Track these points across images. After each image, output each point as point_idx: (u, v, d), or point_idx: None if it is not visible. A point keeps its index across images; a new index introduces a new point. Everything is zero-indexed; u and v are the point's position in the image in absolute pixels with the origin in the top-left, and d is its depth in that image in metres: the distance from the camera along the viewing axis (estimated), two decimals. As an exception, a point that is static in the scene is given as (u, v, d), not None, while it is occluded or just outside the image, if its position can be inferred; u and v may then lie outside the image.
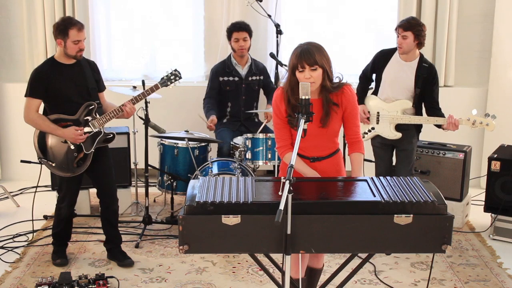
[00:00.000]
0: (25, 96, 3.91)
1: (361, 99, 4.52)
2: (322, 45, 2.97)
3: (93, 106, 3.97)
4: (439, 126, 4.36)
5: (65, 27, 3.84)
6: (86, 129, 3.95)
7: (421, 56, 4.37)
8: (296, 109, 2.82)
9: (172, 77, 4.25)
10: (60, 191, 4.12)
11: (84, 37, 3.91)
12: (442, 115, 4.33)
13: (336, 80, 3.02)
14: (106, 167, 4.12)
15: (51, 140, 3.96)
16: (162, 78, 4.25)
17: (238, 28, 5.12)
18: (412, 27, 4.24)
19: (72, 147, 3.94)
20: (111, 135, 4.07)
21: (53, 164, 3.97)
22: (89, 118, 3.96)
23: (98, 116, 3.98)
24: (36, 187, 4.54)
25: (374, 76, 4.56)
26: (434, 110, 4.36)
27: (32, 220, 4.54)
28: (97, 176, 4.12)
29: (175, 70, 4.27)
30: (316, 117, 2.91)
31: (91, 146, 3.98)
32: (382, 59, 4.45)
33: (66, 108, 3.92)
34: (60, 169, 3.98)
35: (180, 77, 4.29)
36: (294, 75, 2.93)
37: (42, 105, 3.96)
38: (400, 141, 4.43)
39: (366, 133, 4.50)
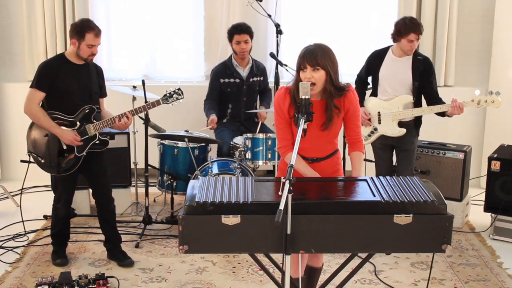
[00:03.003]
0: (30, 87, 3.90)
1: (360, 103, 4.51)
2: (330, 48, 2.96)
3: (91, 110, 3.97)
4: (442, 115, 4.34)
5: (82, 29, 3.85)
6: (80, 131, 3.94)
7: (415, 50, 4.39)
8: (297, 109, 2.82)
9: (174, 95, 4.27)
10: (56, 191, 4.13)
11: (99, 43, 3.91)
12: (443, 103, 4.32)
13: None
14: (101, 167, 4.12)
15: (43, 137, 3.96)
16: (165, 95, 4.27)
17: (240, 31, 5.06)
18: (422, 29, 4.27)
19: (65, 147, 3.95)
20: (105, 141, 4.06)
21: (42, 161, 3.98)
22: (86, 121, 3.96)
23: (95, 121, 3.98)
24: (22, 189, 4.54)
25: (369, 78, 4.55)
26: (435, 101, 4.35)
27: (22, 221, 4.51)
28: (92, 177, 4.12)
29: (178, 89, 4.29)
30: (318, 120, 2.92)
31: (84, 149, 3.98)
32: (376, 60, 4.45)
33: (65, 107, 3.92)
34: (49, 166, 3.98)
35: (182, 97, 4.30)
36: (299, 73, 2.94)
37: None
38: (401, 141, 4.42)
39: (370, 135, 4.48)
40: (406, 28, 4.22)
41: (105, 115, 4.08)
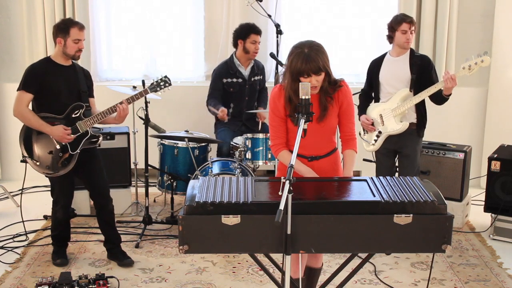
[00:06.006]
0: (18, 89, 3.93)
1: (363, 112, 4.52)
2: (320, 43, 2.96)
3: (81, 107, 3.97)
4: (440, 99, 4.29)
5: (66, 26, 3.90)
6: (72, 128, 3.94)
7: (411, 49, 4.39)
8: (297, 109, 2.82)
9: (161, 83, 4.22)
10: (53, 194, 4.13)
11: (84, 37, 3.95)
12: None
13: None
14: (97, 168, 4.11)
15: (36, 139, 3.97)
16: (152, 84, 4.23)
17: (258, 31, 5.12)
18: (414, 21, 4.32)
19: (58, 146, 3.95)
20: (97, 138, 4.05)
21: (38, 163, 3.98)
22: (76, 119, 3.96)
23: (85, 117, 3.98)
24: (22, 189, 4.53)
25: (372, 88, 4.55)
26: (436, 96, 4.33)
27: (23, 221, 4.52)
28: (88, 178, 4.12)
29: (165, 76, 4.25)
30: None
31: (77, 147, 3.97)
32: (375, 66, 4.48)
33: (55, 108, 3.93)
34: (44, 168, 3.98)
35: (170, 84, 4.25)
36: (297, 79, 2.89)
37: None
38: (404, 147, 4.41)
39: (376, 140, 4.46)
40: (397, 19, 4.31)
41: (96, 113, 4.07)
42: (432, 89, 4.23)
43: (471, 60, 4.16)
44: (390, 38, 4.37)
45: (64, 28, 3.89)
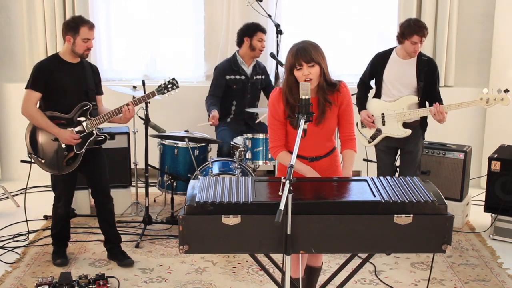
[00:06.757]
0: (26, 88, 3.92)
1: (363, 106, 4.50)
2: (317, 43, 2.98)
3: (88, 107, 3.97)
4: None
5: (76, 24, 3.89)
6: (78, 128, 3.95)
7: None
8: (295, 109, 2.82)
9: (169, 86, 4.23)
10: (56, 191, 4.13)
11: (93, 36, 3.95)
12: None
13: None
14: (100, 166, 4.12)
15: (42, 137, 3.98)
16: (160, 86, 4.23)
17: (264, 30, 5.17)
18: (426, 32, 4.21)
19: (63, 145, 3.95)
20: (103, 137, 4.06)
21: (43, 161, 3.99)
22: (83, 118, 3.97)
23: (92, 117, 3.98)
24: (26, 188, 4.56)
25: (373, 81, 4.52)
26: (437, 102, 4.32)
27: (26, 220, 4.55)
28: (91, 176, 4.12)
29: (173, 79, 4.26)
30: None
31: (82, 146, 3.98)
32: (380, 61, 4.42)
33: (62, 106, 3.93)
34: (49, 166, 3.99)
35: (177, 87, 4.26)
36: (292, 74, 2.94)
37: None
38: (406, 143, 4.41)
39: (373, 138, 4.46)
40: (410, 30, 4.19)
41: (102, 112, 4.07)
42: (424, 112, 4.28)
43: (490, 94, 4.14)
44: (399, 41, 4.29)
45: (74, 26, 3.88)
